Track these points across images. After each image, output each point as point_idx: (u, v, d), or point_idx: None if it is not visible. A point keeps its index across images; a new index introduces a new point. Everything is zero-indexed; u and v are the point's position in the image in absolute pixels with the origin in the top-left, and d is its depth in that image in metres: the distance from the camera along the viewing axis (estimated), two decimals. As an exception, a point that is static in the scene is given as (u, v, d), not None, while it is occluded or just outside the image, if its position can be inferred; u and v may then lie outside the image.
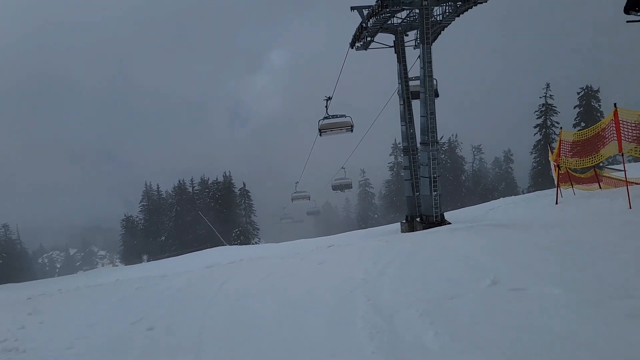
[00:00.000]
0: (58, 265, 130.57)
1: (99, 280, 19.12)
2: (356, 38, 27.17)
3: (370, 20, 25.08)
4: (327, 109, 29.16)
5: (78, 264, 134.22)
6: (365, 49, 28.83)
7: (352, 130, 29.80)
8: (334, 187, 44.50)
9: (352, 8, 25.97)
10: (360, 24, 25.95)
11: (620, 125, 10.20)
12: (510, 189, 71.41)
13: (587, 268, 5.74)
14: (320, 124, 29.21)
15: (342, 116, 29.49)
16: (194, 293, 7.97)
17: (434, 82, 19.80)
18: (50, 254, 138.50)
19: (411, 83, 25.43)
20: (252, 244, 66.35)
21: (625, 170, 10.56)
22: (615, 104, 10.20)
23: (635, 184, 14.78)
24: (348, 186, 45.10)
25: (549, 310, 4.62)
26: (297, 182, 54.16)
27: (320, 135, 29.78)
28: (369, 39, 27.61)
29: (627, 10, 11.66)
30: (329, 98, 28.75)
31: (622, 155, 10.23)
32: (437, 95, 21.02)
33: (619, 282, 5.11)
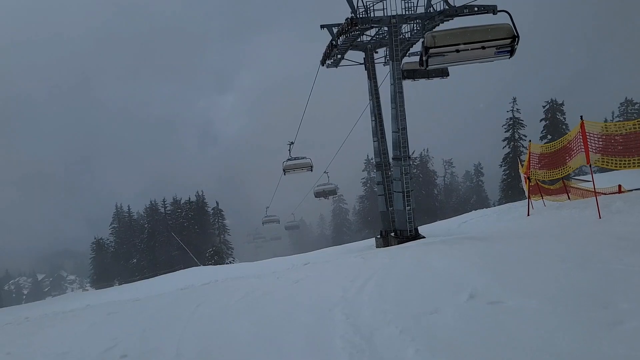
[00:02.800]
0: (25, 292, 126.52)
1: (69, 305, 18.54)
2: (326, 56, 27.46)
3: (340, 38, 25.39)
4: (290, 152, 32.98)
5: (47, 289, 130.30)
6: (336, 67, 29.18)
7: (311, 170, 33.89)
8: (317, 194, 42.09)
9: (322, 26, 26.28)
10: (331, 41, 26.24)
11: (587, 137, 10.47)
12: (481, 202, 72.57)
13: (562, 279, 5.80)
14: (284, 164, 33.10)
15: (303, 158, 33.55)
16: (168, 317, 7.76)
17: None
18: (17, 280, 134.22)
19: (406, 60, 23.66)
20: (227, 263, 65.51)
21: (593, 181, 10.84)
22: (581, 117, 10.49)
23: (603, 194, 15.17)
24: (332, 192, 42.62)
25: (527, 323, 4.64)
26: (268, 207, 54.77)
27: (285, 174, 33.40)
28: (339, 56, 27.97)
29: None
30: (292, 143, 32.62)
31: (590, 166, 10.49)
32: (447, 73, 20.49)
33: (594, 292, 5.17)
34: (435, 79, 26.34)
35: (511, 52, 13.15)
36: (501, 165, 62.50)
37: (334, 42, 26.02)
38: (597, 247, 7.21)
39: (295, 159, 33.49)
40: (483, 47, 12.90)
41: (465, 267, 7.07)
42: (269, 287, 8.79)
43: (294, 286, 8.37)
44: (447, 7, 22.49)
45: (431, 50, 12.89)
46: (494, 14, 20.71)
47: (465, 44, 12.84)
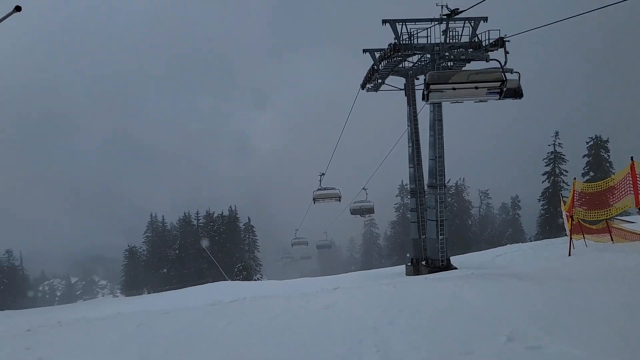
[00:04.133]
0: (58, 294, 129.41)
1: (99, 311, 18.83)
2: (367, 80, 27.56)
3: (382, 62, 25.47)
4: (320, 182, 34.35)
5: (78, 292, 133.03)
6: (376, 91, 29.24)
7: (339, 201, 35.57)
8: (353, 211, 40.33)
9: (365, 50, 26.46)
10: (372, 66, 26.36)
11: (638, 178, 10.10)
12: (517, 236, 70.70)
13: (608, 327, 5.52)
14: (314, 194, 34.57)
15: (332, 189, 35.09)
16: (195, 334, 7.75)
17: (517, 76, 18.69)
18: (51, 281, 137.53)
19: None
20: (255, 280, 65.65)
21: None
22: (632, 157, 10.13)
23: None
24: (370, 211, 40.79)
25: (570, 373, 4.42)
26: (297, 230, 55.02)
27: (314, 203, 35.07)
28: (379, 81, 28.03)
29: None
30: (322, 174, 34.26)
31: (639, 208, 10.08)
32: (521, 95, 20.43)
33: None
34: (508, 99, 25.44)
35: (500, 94, 15.16)
36: (540, 200, 60.94)
37: (375, 67, 26.13)
38: (644, 295, 6.86)
39: (325, 189, 34.81)
40: (476, 87, 14.87)
41: (503, 307, 6.82)
42: (299, 311, 8.69)
43: (324, 312, 8.24)
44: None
45: (431, 87, 14.88)
46: (486, 61, 22.80)
47: (459, 83, 14.90)
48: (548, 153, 59.25)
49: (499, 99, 15.34)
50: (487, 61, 22.56)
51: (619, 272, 9.18)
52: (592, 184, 13.14)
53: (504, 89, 15.03)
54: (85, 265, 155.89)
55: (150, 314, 11.19)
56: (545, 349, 5.04)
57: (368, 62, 26.50)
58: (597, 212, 12.30)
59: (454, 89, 15.00)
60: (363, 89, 28.79)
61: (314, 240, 62.26)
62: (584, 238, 16.87)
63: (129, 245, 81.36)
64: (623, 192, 10.58)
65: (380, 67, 26.11)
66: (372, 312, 7.54)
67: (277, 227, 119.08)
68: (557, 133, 58.91)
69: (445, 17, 21.47)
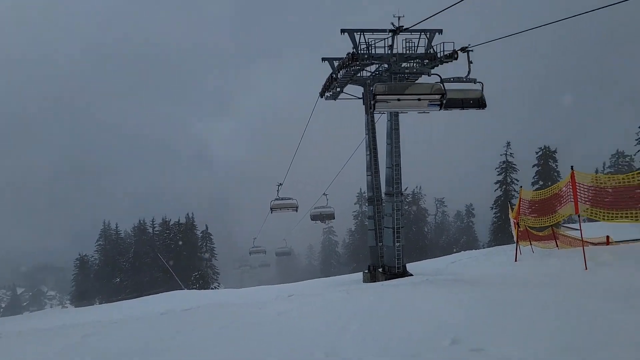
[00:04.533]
0: (3, 305, 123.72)
1: (46, 322, 18.12)
2: (326, 88, 27.79)
3: (341, 71, 25.73)
4: (278, 192, 35.06)
5: (25, 304, 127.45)
6: (335, 99, 29.51)
7: (296, 211, 36.37)
8: (314, 217, 40.21)
9: (324, 59, 26.68)
10: (331, 74, 26.58)
11: (577, 187, 10.55)
12: (471, 243, 72.43)
13: (546, 330, 5.73)
14: (271, 204, 35.30)
15: (289, 199, 35.77)
16: (143, 344, 7.57)
17: (481, 86, 19.57)
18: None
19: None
20: (212, 288, 64.64)
21: (581, 231, 10.85)
22: (572, 167, 10.57)
23: (591, 244, 15.19)
24: (330, 216, 40.49)
25: (509, 374, 4.56)
26: (255, 238, 54.75)
27: (272, 212, 35.73)
28: (338, 89, 28.30)
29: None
30: (280, 184, 34.86)
31: (579, 215, 10.52)
32: (484, 105, 20.51)
33: (579, 347, 5.10)
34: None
35: (440, 106, 16.28)
36: (492, 208, 62.69)
37: (334, 75, 26.37)
38: (584, 299, 7.16)
39: (282, 199, 35.42)
40: (419, 99, 16.05)
41: (450, 311, 6.98)
42: (251, 318, 8.63)
43: (277, 319, 8.22)
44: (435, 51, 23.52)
45: (377, 97, 15.85)
46: (427, 75, 22.90)
47: (404, 94, 16.09)
48: (500, 162, 61.15)
49: (440, 110, 16.45)
50: (428, 75, 23.19)
51: (559, 276, 9.55)
52: (540, 191, 13.64)
53: (444, 102, 16.19)
54: (33, 275, 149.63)
55: (98, 324, 10.86)
56: (487, 351, 5.19)
57: (328, 70, 26.74)
58: (544, 219, 12.77)
59: (398, 100, 16.04)
60: (322, 97, 29.00)
61: (273, 248, 61.98)
62: (530, 244, 17.47)
63: (80, 254, 78.73)
64: (565, 200, 11.04)
65: (338, 76, 26.36)
66: (324, 318, 7.57)
67: (236, 235, 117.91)
68: (508, 143, 60.96)
69: (395, 29, 21.98)
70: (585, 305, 6.73)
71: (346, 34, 24.07)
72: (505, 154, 60.86)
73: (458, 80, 19.01)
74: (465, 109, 19.98)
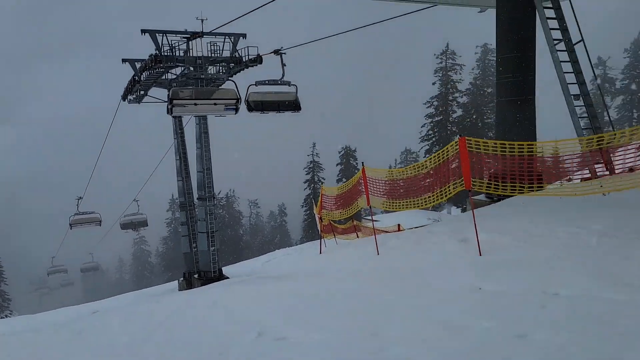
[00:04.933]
0: None
1: None
2: (128, 91, 26.35)
3: (144, 73, 24.62)
4: (77, 207, 33.00)
5: None
6: (139, 103, 28.14)
7: (100, 225, 34.33)
8: (124, 226, 37.92)
9: (124, 60, 25.24)
10: (133, 76, 25.27)
11: (369, 181, 11.77)
12: (285, 241, 75.30)
13: (342, 313, 6.34)
14: (70, 219, 32.96)
15: (91, 213, 33.74)
16: None
17: (295, 88, 19.95)
18: None
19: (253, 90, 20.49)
20: (2, 317, 56.50)
21: (372, 221, 12.13)
22: (362, 163, 11.79)
23: (386, 232, 17.04)
24: (143, 224, 38.48)
25: (307, 355, 4.96)
26: (54, 257, 49.78)
27: (71, 228, 33.39)
28: (142, 92, 27.03)
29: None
30: (80, 198, 33.00)
31: (370, 207, 11.77)
32: (299, 107, 20.45)
33: (367, 324, 5.76)
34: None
35: (236, 110, 17.29)
36: (303, 206, 66.09)
37: (136, 78, 25.12)
38: (374, 281, 8.05)
39: (83, 213, 33.38)
40: (215, 104, 16.81)
41: (257, 307, 7.27)
42: (44, 344, 7.84)
43: (76, 339, 7.62)
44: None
45: (174, 102, 16.21)
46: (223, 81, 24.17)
47: (201, 99, 16.66)
48: (308, 163, 64.78)
49: (235, 113, 17.40)
50: (224, 81, 23.80)
51: (355, 263, 10.60)
52: (341, 186, 14.81)
53: (239, 106, 17.12)
54: None
55: None
56: (290, 338, 5.56)
57: (130, 72, 25.35)
58: (343, 212, 13.96)
59: (195, 104, 16.45)
60: (124, 100, 27.45)
61: (77, 265, 56.66)
62: (334, 237, 18.93)
63: None
64: (360, 194, 12.26)
65: (142, 78, 25.19)
66: (129, 330, 7.27)
67: (32, 255, 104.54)
68: (314, 144, 64.90)
69: (193, 34, 21.92)
70: (374, 286, 7.60)
71: (147, 35, 23.14)
72: (312, 154, 64.67)
73: (273, 82, 19.70)
74: (282, 111, 20.80)
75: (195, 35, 21.36)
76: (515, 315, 5.55)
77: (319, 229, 16.52)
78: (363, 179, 11.55)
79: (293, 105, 19.95)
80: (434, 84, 61.01)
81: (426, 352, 4.77)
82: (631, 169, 9.20)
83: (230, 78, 22.67)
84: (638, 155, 8.83)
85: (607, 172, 12.14)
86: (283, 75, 19.97)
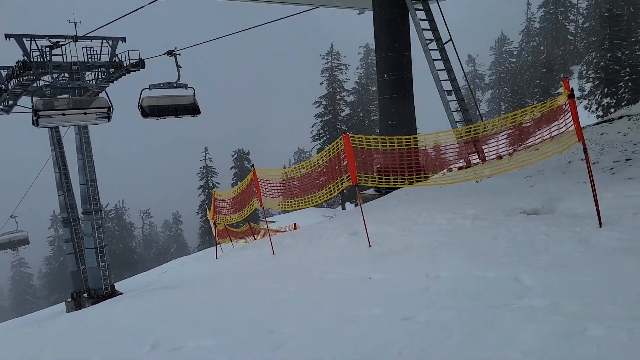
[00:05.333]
0: None
1: None
2: (-7, 101, 24.14)
3: (11, 82, 22.67)
4: None
5: None
6: (7, 113, 25.96)
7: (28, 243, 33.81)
8: (2, 246, 33.93)
9: (-15, 68, 23.10)
10: (-2, 85, 23.19)
11: (262, 183, 11.84)
12: (182, 250, 73.10)
13: (237, 315, 6.36)
14: None
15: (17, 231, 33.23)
16: None
17: (193, 91, 18.84)
18: None
19: (147, 94, 19.17)
20: None
21: (267, 222, 12.21)
22: (253, 165, 11.85)
23: (282, 232, 17.23)
24: (24, 242, 34.39)
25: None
26: None
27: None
28: (10, 102, 24.92)
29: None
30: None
31: (263, 209, 11.86)
32: (198, 111, 19.28)
33: (263, 322, 5.84)
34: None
35: (108, 118, 16.80)
36: (198, 213, 64.58)
37: (2, 87, 23.06)
38: (268, 280, 8.15)
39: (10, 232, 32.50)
40: (85, 113, 16.21)
41: (151, 319, 7.06)
42: None
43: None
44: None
45: (39, 113, 15.56)
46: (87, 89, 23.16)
47: (69, 109, 16.04)
48: (201, 168, 63.44)
49: (108, 122, 16.86)
50: (94, 90, 22.79)
51: (251, 265, 10.66)
52: (235, 189, 14.68)
53: (111, 114, 16.70)
54: None
55: None
56: (185, 347, 5.47)
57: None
58: (237, 215, 13.89)
59: (63, 114, 15.91)
60: (-11, 110, 25.12)
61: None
62: (231, 241, 18.80)
63: None
64: (252, 196, 12.29)
65: (9, 87, 23.16)
66: (11, 356, 6.71)
67: None
68: (206, 149, 63.68)
69: (64, 37, 20.68)
70: (271, 285, 7.71)
71: (13, 39, 21.32)
72: (205, 159, 63.42)
73: (168, 85, 18.59)
74: (180, 116, 19.62)
75: (68, 39, 19.97)
76: (402, 300, 5.93)
77: (214, 234, 16.31)
78: (255, 180, 11.60)
79: (191, 109, 18.85)
80: (321, 84, 62.55)
81: (320, 342, 4.95)
82: (499, 157, 10.15)
83: (100, 90, 21.88)
84: (503, 144, 9.77)
85: (480, 161, 13.26)
86: (179, 77, 18.87)
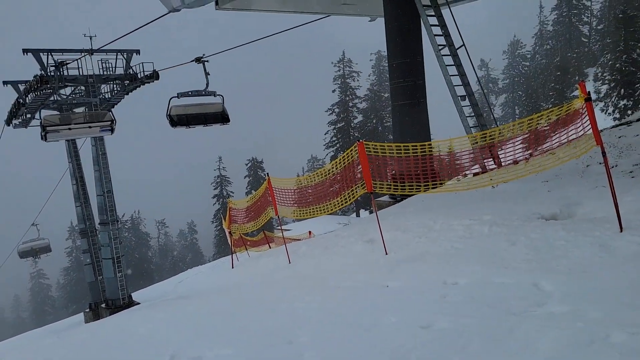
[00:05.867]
0: None
1: None
2: (12, 115, 24.50)
3: (29, 96, 23.04)
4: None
5: None
6: (26, 127, 26.35)
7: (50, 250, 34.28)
8: (24, 254, 33.33)
9: (5, 82, 23.47)
10: (17, 99, 23.55)
11: (277, 191, 11.86)
12: (197, 259, 73.42)
13: (255, 324, 6.36)
14: (19, 248, 32.76)
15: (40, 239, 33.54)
16: None
17: (222, 99, 18.54)
18: None
19: (175, 103, 19.04)
20: None
21: (282, 230, 12.22)
22: (267, 174, 11.87)
23: (297, 240, 17.22)
24: (46, 249, 34.03)
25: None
26: None
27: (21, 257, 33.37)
28: (28, 116, 25.32)
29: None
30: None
31: (279, 217, 11.87)
32: (227, 119, 18.80)
33: (281, 331, 5.84)
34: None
35: (112, 131, 17.25)
36: (213, 222, 64.87)
37: (20, 101, 23.43)
38: (286, 289, 8.14)
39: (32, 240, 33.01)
40: (90, 127, 16.81)
41: (169, 329, 7.08)
42: None
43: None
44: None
45: (47, 128, 16.17)
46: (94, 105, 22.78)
47: (75, 124, 16.65)
48: (215, 177, 63.78)
49: (112, 134, 17.46)
50: (93, 105, 23.02)
51: (267, 274, 10.65)
52: (250, 197, 14.72)
53: (114, 127, 17.23)
54: None
55: None
56: (203, 357, 5.48)
57: (14, 95, 23.63)
58: (252, 224, 13.92)
59: (70, 129, 16.58)
60: (9, 125, 25.50)
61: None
62: (247, 250, 18.83)
63: None
64: (267, 204, 12.31)
65: (27, 101, 23.53)
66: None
67: None
68: (220, 158, 64.03)
69: (88, 50, 20.99)
70: (287, 294, 7.70)
71: (30, 54, 21.68)
72: (219, 169, 63.77)
73: (196, 93, 18.23)
74: (208, 125, 19.22)
75: (83, 52, 20.26)
76: (420, 308, 5.88)
77: (230, 243, 16.35)
78: (269, 189, 11.63)
79: (220, 118, 18.48)
80: (333, 91, 62.65)
81: (339, 352, 4.93)
82: (515, 162, 10.05)
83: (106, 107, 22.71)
84: (519, 149, 9.68)
85: (495, 166, 13.14)
86: (207, 85, 18.57)
